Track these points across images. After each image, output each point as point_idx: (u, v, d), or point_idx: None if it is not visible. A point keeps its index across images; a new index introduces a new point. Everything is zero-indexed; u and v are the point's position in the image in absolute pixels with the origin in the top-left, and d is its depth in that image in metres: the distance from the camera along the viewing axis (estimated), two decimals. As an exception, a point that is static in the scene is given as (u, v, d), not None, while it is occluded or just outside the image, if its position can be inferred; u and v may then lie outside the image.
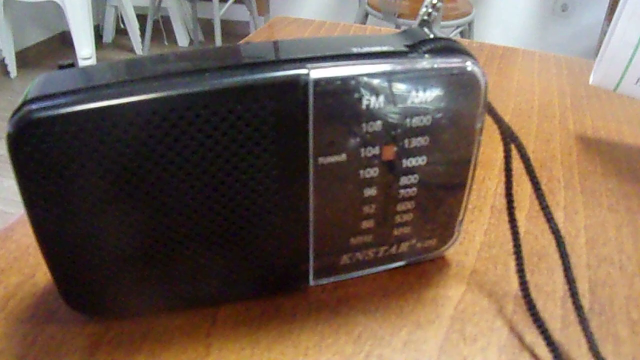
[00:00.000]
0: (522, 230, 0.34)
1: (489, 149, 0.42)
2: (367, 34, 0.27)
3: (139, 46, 2.68)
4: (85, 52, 2.38)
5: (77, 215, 0.23)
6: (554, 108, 0.50)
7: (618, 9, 0.43)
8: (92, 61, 2.42)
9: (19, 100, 0.21)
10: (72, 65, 0.23)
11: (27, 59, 2.57)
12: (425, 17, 0.28)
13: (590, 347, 0.26)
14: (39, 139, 0.20)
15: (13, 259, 0.30)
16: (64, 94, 0.20)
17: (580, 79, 0.56)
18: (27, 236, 0.32)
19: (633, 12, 0.42)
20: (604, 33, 1.87)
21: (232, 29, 2.76)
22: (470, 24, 1.97)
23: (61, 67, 0.23)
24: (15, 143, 0.20)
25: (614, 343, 0.28)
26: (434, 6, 0.28)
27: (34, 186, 0.21)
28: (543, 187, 0.38)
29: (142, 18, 2.55)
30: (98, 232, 0.24)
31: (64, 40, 2.66)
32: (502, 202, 0.36)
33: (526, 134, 0.45)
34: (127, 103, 0.21)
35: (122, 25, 2.68)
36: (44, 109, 0.20)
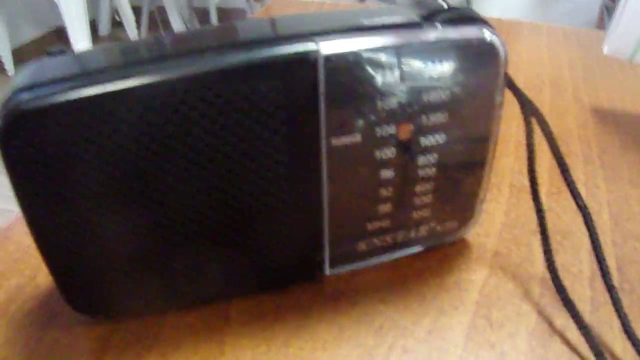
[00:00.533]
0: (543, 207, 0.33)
1: (503, 124, 0.41)
2: (376, 8, 0.25)
3: (136, 38, 2.65)
4: (81, 46, 2.36)
5: (75, 212, 0.21)
6: (565, 81, 0.48)
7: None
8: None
9: (8, 91, 0.19)
10: (63, 51, 0.22)
11: (23, 55, 2.55)
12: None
13: (624, 328, 0.24)
14: (30, 132, 0.19)
15: (13, 260, 0.29)
16: (55, 81, 0.19)
17: (591, 51, 0.54)
18: (27, 236, 0.30)
19: (647, -23, 0.40)
20: (604, 6, 1.84)
21: (228, 17, 2.73)
22: (468, 1, 1.95)
23: (50, 53, 0.22)
24: (5, 137, 0.19)
25: (647, 323, 0.26)
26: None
27: (27, 182, 0.20)
28: (562, 163, 0.36)
29: (137, 10, 2.52)
30: (98, 229, 0.22)
31: (60, 36, 2.63)
32: (520, 179, 0.35)
33: (540, 109, 0.44)
34: (124, 89, 0.19)
35: (117, 18, 2.66)
36: (34, 99, 0.19)
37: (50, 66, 0.21)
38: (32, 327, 0.25)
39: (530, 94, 0.46)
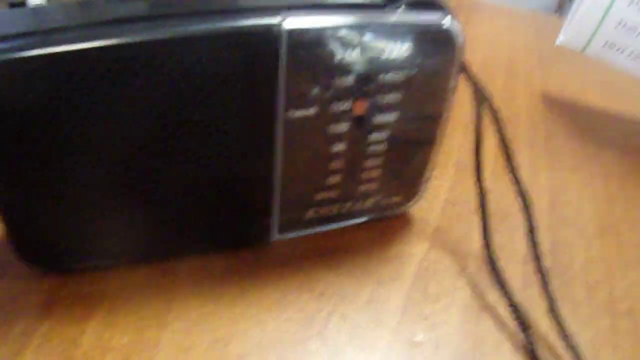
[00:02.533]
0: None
1: (455, 105, 0.42)
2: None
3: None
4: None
5: (34, 164, 0.21)
6: (519, 65, 0.50)
7: (591, -34, 0.43)
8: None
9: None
10: (23, 3, 0.21)
11: None
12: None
13: (551, 308, 0.26)
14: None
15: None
16: (15, 36, 0.19)
17: (548, 37, 0.56)
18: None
19: (606, -29, 0.41)
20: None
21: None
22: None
23: (12, 5, 0.21)
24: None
25: (572, 304, 0.28)
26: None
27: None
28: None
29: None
30: (51, 180, 0.22)
31: None
32: (466, 158, 0.36)
33: (492, 91, 0.44)
34: (86, 49, 0.19)
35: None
36: (-5, 51, 0.18)
37: (9, 19, 0.20)
38: (-21, 277, 0.25)
39: (484, 75, 0.47)
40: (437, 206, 0.33)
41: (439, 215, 0.32)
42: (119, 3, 0.22)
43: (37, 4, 0.22)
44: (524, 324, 0.26)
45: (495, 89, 0.46)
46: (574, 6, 0.44)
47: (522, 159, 0.38)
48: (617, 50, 0.44)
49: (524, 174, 0.36)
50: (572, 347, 0.25)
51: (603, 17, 0.43)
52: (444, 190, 0.34)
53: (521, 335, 0.26)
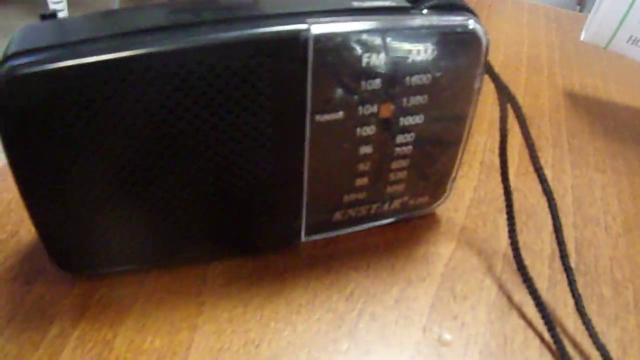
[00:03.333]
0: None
1: (479, 103, 0.42)
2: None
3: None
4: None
5: (67, 175, 0.22)
6: (542, 62, 0.50)
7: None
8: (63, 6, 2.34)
9: (1, 55, 0.20)
10: (54, 15, 0.22)
11: None
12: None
13: (577, 307, 0.26)
14: (24, 96, 0.19)
15: (-5, 214, 0.29)
16: (49, 48, 0.19)
17: (569, 33, 0.56)
18: (7, 191, 0.31)
19: (629, -34, 0.41)
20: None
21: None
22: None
23: (43, 17, 0.22)
24: None
25: (598, 303, 0.28)
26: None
27: (20, 143, 0.20)
28: (532, 145, 0.38)
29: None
30: (86, 187, 0.23)
31: None
32: (491, 158, 0.36)
33: (515, 88, 0.45)
34: (116, 59, 0.20)
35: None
36: (28, 64, 0.19)
37: (42, 31, 0.21)
38: (16, 282, 0.26)
39: (507, 72, 0.48)
40: (463, 206, 0.33)
41: (465, 215, 0.32)
42: (146, 11, 0.22)
43: (65, 16, 0.22)
44: (550, 323, 0.26)
45: (518, 86, 0.45)
46: (597, 1, 0.43)
47: (546, 158, 0.38)
48: (641, 45, 0.43)
49: (548, 172, 0.36)
50: (599, 346, 0.25)
51: (627, 12, 0.42)
52: (470, 190, 0.34)
53: (548, 334, 0.26)
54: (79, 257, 0.26)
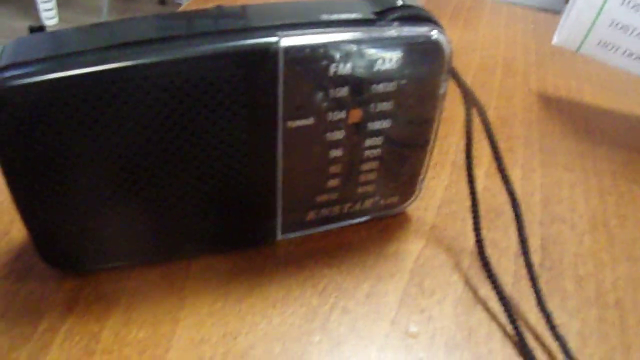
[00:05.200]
0: (480, 187, 0.36)
1: (453, 105, 0.43)
2: (335, 0, 0.27)
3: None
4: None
5: (55, 179, 0.23)
6: (517, 64, 0.51)
7: (584, -32, 0.44)
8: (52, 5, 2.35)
9: (-8, 66, 0.21)
10: (42, 28, 0.23)
11: None
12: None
13: (538, 302, 0.28)
14: (15, 107, 0.21)
15: (-14, 216, 0.31)
16: (38, 61, 0.21)
17: (546, 35, 0.57)
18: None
19: (598, -27, 0.43)
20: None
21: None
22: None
23: (32, 30, 0.23)
24: (-11, 109, 0.21)
25: (561, 297, 0.30)
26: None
27: (11, 153, 0.22)
28: (503, 145, 0.40)
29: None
30: (74, 190, 0.24)
31: None
32: (463, 158, 0.37)
33: (489, 90, 0.47)
34: (100, 71, 0.21)
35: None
36: (18, 76, 0.21)
37: (31, 44, 0.22)
38: (8, 279, 0.28)
39: (482, 74, 0.49)
40: (434, 205, 0.34)
41: (435, 214, 0.34)
42: (129, 24, 0.24)
43: (55, 30, 0.23)
44: (513, 316, 0.28)
45: (492, 89, 0.47)
46: (568, 7, 0.45)
47: (517, 158, 0.39)
48: (611, 49, 0.45)
49: (519, 172, 0.38)
50: (558, 337, 0.27)
51: (596, 17, 0.44)
52: (441, 190, 0.35)
53: (511, 327, 0.28)
54: (67, 256, 0.27)
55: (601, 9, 0.44)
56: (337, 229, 0.31)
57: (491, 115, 0.43)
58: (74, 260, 0.28)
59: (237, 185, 0.27)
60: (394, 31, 0.25)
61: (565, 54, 0.54)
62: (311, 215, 0.29)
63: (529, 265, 0.29)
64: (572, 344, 0.28)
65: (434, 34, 0.26)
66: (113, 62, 0.21)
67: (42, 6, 2.33)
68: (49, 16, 2.38)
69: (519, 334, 0.27)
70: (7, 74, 0.21)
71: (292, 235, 0.30)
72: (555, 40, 0.46)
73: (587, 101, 0.47)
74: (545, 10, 0.61)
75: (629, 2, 0.43)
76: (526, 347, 0.27)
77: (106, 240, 0.27)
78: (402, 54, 0.25)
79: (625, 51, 0.45)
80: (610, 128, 0.45)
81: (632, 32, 0.44)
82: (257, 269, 0.29)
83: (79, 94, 0.21)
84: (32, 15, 2.43)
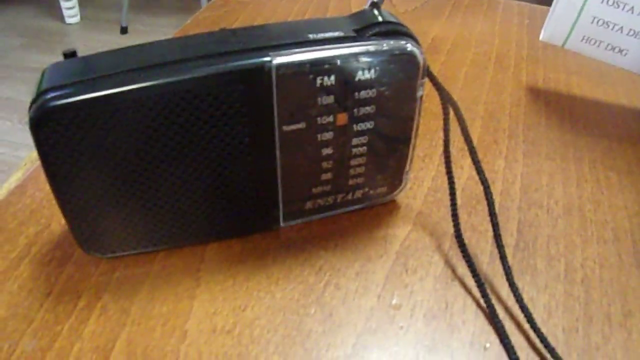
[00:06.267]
0: (465, 175, 0.40)
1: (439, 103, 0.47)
2: (322, 18, 0.31)
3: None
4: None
5: (89, 180, 0.28)
6: (510, 59, 0.55)
7: (567, -31, 0.47)
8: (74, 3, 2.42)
9: (35, 90, 0.26)
10: (75, 53, 0.28)
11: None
12: (375, 0, 0.32)
13: (507, 278, 0.32)
14: (55, 123, 0.25)
15: (30, 211, 0.36)
16: (72, 84, 0.25)
17: (540, 30, 0.60)
18: (39, 190, 0.37)
19: (579, -26, 0.46)
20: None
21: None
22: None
23: (65, 55, 0.28)
24: (36, 126, 0.25)
25: (531, 274, 0.34)
26: (383, -10, 0.32)
27: (53, 160, 0.27)
28: (489, 137, 0.44)
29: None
30: (105, 190, 0.29)
31: None
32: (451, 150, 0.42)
33: (480, 85, 0.50)
34: (125, 91, 0.26)
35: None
36: (57, 97, 0.25)
37: (66, 68, 0.27)
38: (51, 265, 0.33)
39: (475, 70, 0.53)
40: (421, 193, 0.38)
41: (422, 202, 0.38)
42: (146, 49, 0.28)
43: (84, 55, 0.28)
44: (485, 291, 0.32)
45: (483, 84, 0.51)
46: (552, 5, 0.48)
47: (501, 149, 0.43)
48: (594, 43, 0.48)
49: (501, 162, 0.42)
50: (524, 309, 0.31)
51: (578, 15, 0.47)
52: (428, 180, 0.39)
53: (483, 300, 0.32)
54: (101, 244, 0.32)
55: (582, 7, 0.47)
56: (332, 217, 0.36)
57: (480, 109, 0.47)
58: (107, 247, 0.32)
59: (244, 181, 0.31)
60: (372, 46, 0.29)
61: (555, 47, 0.57)
62: (309, 205, 0.34)
63: (499, 246, 0.33)
64: (539, 315, 0.32)
65: (409, 46, 0.30)
66: (135, 83, 0.26)
67: (64, 4, 2.41)
68: (71, 14, 2.45)
69: (490, 306, 0.31)
70: (48, 95, 0.25)
71: (292, 222, 0.35)
72: (542, 36, 0.49)
73: (575, 93, 0.51)
74: (542, 3, 0.64)
75: (607, 1, 0.46)
76: (496, 317, 0.31)
77: (133, 229, 0.32)
78: (380, 65, 0.29)
79: (607, 45, 0.48)
80: (594, 118, 0.48)
81: (613, 28, 0.47)
82: (263, 252, 0.34)
83: (108, 110, 0.26)
84: (54, 14, 2.50)
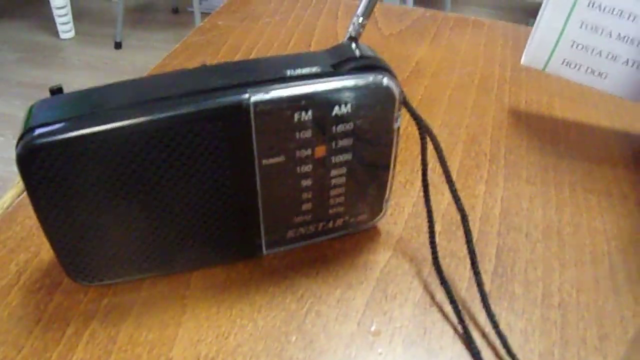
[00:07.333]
0: (445, 201, 0.41)
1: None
2: (301, 53, 0.32)
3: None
4: (59, 1, 2.39)
5: (75, 213, 0.29)
6: (493, 81, 0.56)
7: (546, -3, 0.48)
8: (67, 10, 2.44)
9: (22, 126, 0.27)
10: (61, 89, 0.29)
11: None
12: (353, 34, 0.33)
13: (483, 305, 0.33)
14: (41, 159, 0.26)
15: (20, 239, 0.37)
16: (58, 121, 0.26)
17: (523, 51, 0.61)
18: (29, 218, 0.38)
19: (557, 1, 0.47)
20: None
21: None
22: None
23: (52, 92, 0.29)
24: (23, 163, 0.26)
25: (509, 300, 0.35)
26: (362, 26, 0.33)
27: (40, 194, 0.28)
28: (470, 162, 0.44)
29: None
30: (92, 223, 0.30)
31: None
32: (431, 176, 0.43)
33: (463, 109, 0.51)
34: (107, 130, 0.27)
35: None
36: (43, 135, 0.26)
37: (53, 105, 0.28)
38: (40, 292, 0.33)
39: (459, 93, 0.54)
40: (402, 219, 0.39)
41: (402, 228, 0.39)
42: (129, 87, 0.29)
43: (72, 91, 0.29)
44: (462, 317, 0.32)
45: (467, 106, 0.52)
46: (532, 30, 0.49)
47: (482, 173, 0.44)
48: (575, 67, 0.49)
49: (482, 187, 0.43)
50: (500, 335, 0.32)
51: (558, 40, 0.48)
52: (409, 206, 0.40)
53: (460, 326, 0.32)
54: (88, 272, 0.33)
55: (562, 32, 0.48)
56: (314, 244, 0.36)
57: (462, 133, 0.48)
58: (94, 275, 0.33)
59: (226, 212, 0.32)
60: (348, 81, 0.30)
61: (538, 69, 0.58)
62: (290, 234, 0.35)
63: (476, 274, 0.33)
64: (516, 340, 0.32)
65: (385, 80, 0.31)
66: (118, 121, 0.27)
67: (58, 20, 2.43)
68: (66, 29, 2.48)
69: (467, 332, 0.32)
70: (35, 133, 0.26)
71: (275, 250, 0.36)
72: (523, 60, 0.50)
73: (556, 115, 0.52)
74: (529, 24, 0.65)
75: (586, 26, 0.47)
76: (473, 343, 0.32)
77: (120, 258, 0.32)
78: (356, 99, 0.30)
79: (587, 69, 0.49)
80: (575, 140, 0.49)
81: (592, 52, 0.48)
82: (246, 280, 0.35)
83: (92, 147, 0.27)
84: (49, 29, 2.52)
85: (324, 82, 0.30)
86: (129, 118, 0.27)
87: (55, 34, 2.51)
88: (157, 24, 2.66)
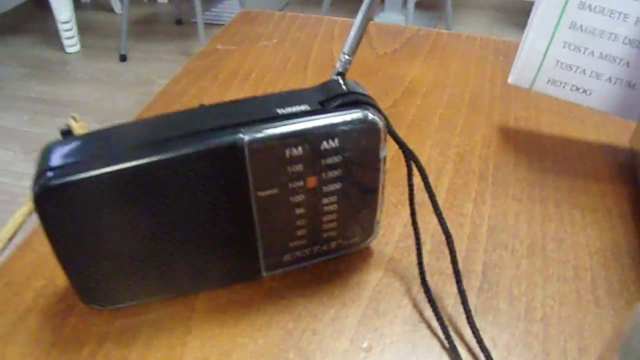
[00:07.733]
0: (434, 221, 0.43)
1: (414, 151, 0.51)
2: (290, 92, 0.35)
3: (118, 4, 2.70)
4: (64, 16, 2.43)
5: (87, 244, 0.32)
6: (483, 98, 0.58)
7: (530, 18, 0.50)
8: (72, 24, 2.48)
9: (37, 167, 0.30)
10: (70, 131, 0.32)
11: (5, 24, 2.63)
12: (340, 70, 0.36)
13: (468, 320, 0.35)
14: (56, 199, 0.29)
15: (36, 265, 0.39)
16: (70, 164, 0.29)
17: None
18: (44, 245, 0.41)
19: (540, 23, 0.49)
20: None
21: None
22: None
23: (63, 133, 0.32)
24: (39, 201, 0.29)
25: (494, 314, 0.37)
26: (348, 62, 0.36)
27: (56, 229, 0.30)
28: (458, 181, 0.47)
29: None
30: (104, 253, 0.32)
31: (41, 4, 2.69)
32: (422, 197, 0.45)
33: (453, 128, 0.53)
34: (117, 170, 0.29)
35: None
36: (57, 176, 0.29)
37: (64, 147, 0.31)
38: (56, 317, 0.36)
39: (449, 113, 0.56)
40: (393, 240, 0.42)
41: (393, 248, 0.41)
42: (132, 129, 0.32)
43: (81, 134, 0.32)
44: (448, 332, 0.35)
45: (456, 126, 0.54)
46: (518, 50, 0.52)
47: (470, 191, 0.46)
48: (560, 85, 0.51)
49: (471, 205, 0.45)
50: (484, 349, 0.34)
51: (543, 59, 0.50)
52: (400, 226, 0.43)
53: (447, 341, 0.35)
54: (101, 297, 0.35)
55: (546, 52, 0.50)
56: (310, 266, 0.39)
57: (451, 153, 0.50)
58: (106, 300, 0.36)
59: (227, 240, 0.35)
60: (335, 118, 0.32)
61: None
62: (287, 257, 0.37)
63: (460, 292, 0.36)
64: (499, 353, 0.35)
65: (370, 115, 0.33)
66: (123, 162, 0.29)
67: (64, 34, 2.47)
68: (71, 43, 2.52)
69: (453, 347, 0.34)
70: (50, 174, 0.29)
71: (274, 272, 0.38)
72: (510, 79, 0.53)
73: (544, 130, 0.54)
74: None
75: (569, 46, 0.49)
76: (458, 357, 0.34)
77: (130, 284, 0.35)
78: (343, 134, 0.33)
79: (572, 86, 0.51)
80: (562, 155, 0.51)
81: (576, 70, 0.50)
82: (247, 301, 0.37)
83: (101, 186, 0.30)
84: (55, 44, 2.56)
85: (312, 119, 0.32)
86: (134, 159, 0.30)
87: (61, 48, 2.55)
88: (161, 36, 2.70)
